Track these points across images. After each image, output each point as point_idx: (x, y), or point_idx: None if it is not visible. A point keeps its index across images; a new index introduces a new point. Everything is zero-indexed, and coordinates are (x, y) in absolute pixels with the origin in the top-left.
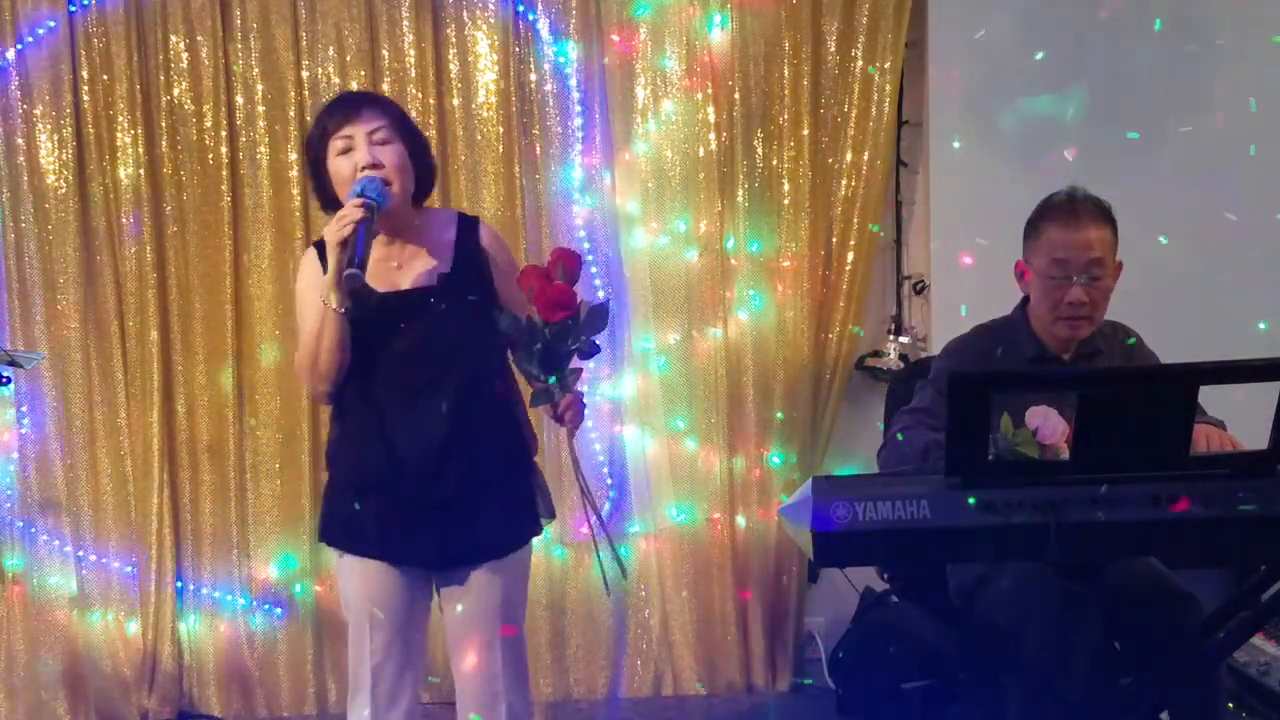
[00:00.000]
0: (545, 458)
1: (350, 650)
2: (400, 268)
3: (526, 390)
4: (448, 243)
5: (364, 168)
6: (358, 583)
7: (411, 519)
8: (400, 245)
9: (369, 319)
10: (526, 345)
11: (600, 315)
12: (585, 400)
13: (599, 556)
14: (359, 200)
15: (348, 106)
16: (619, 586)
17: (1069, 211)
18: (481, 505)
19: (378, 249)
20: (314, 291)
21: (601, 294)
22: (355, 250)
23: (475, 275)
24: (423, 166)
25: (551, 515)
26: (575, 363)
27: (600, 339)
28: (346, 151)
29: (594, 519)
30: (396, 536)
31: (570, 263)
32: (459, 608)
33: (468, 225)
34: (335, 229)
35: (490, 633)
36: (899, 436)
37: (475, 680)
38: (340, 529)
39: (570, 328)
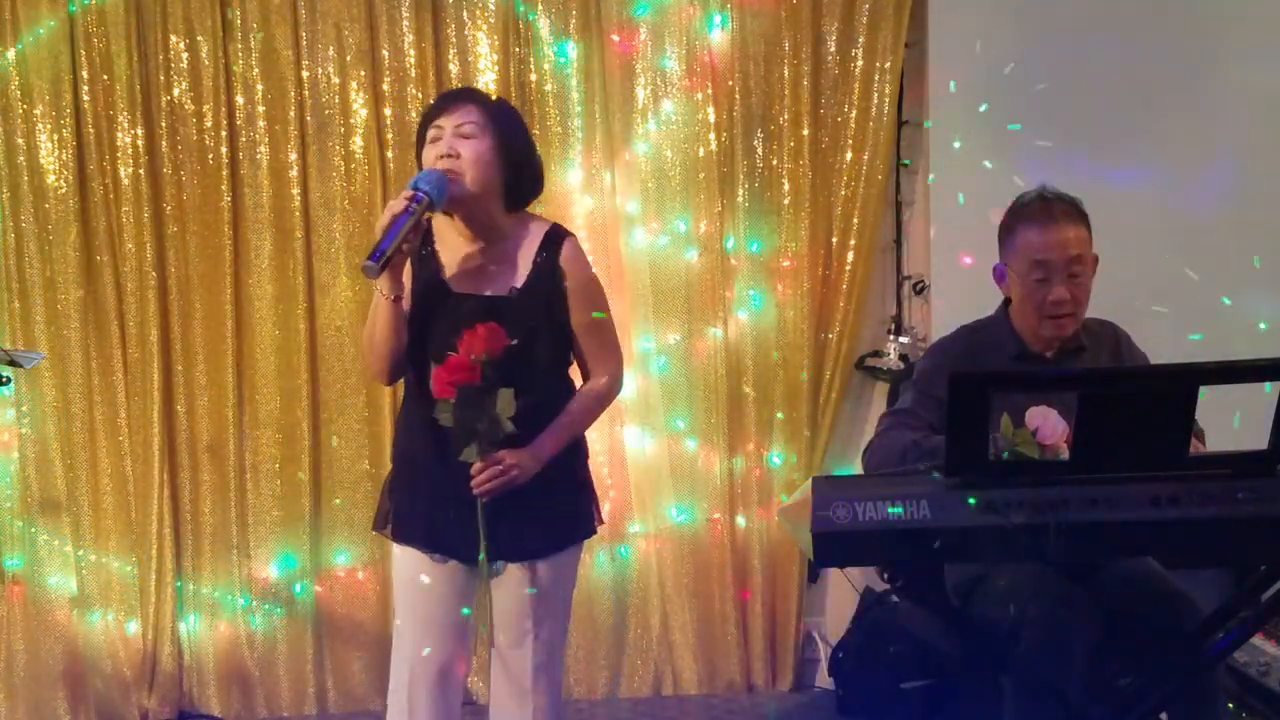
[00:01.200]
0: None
1: (395, 637)
2: (480, 269)
3: None
4: (530, 254)
5: (442, 156)
6: (406, 573)
7: (459, 517)
8: (486, 247)
9: (439, 315)
10: (441, 408)
11: (498, 401)
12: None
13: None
14: (409, 192)
15: (445, 99)
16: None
17: (1044, 213)
18: (527, 508)
19: (462, 245)
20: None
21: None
22: (383, 241)
23: (545, 292)
24: (517, 169)
25: (600, 521)
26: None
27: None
28: (435, 141)
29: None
30: (445, 532)
31: (479, 344)
32: (497, 604)
33: (553, 239)
34: (382, 217)
35: (522, 630)
36: (881, 438)
37: (506, 676)
38: (393, 519)
39: (467, 403)
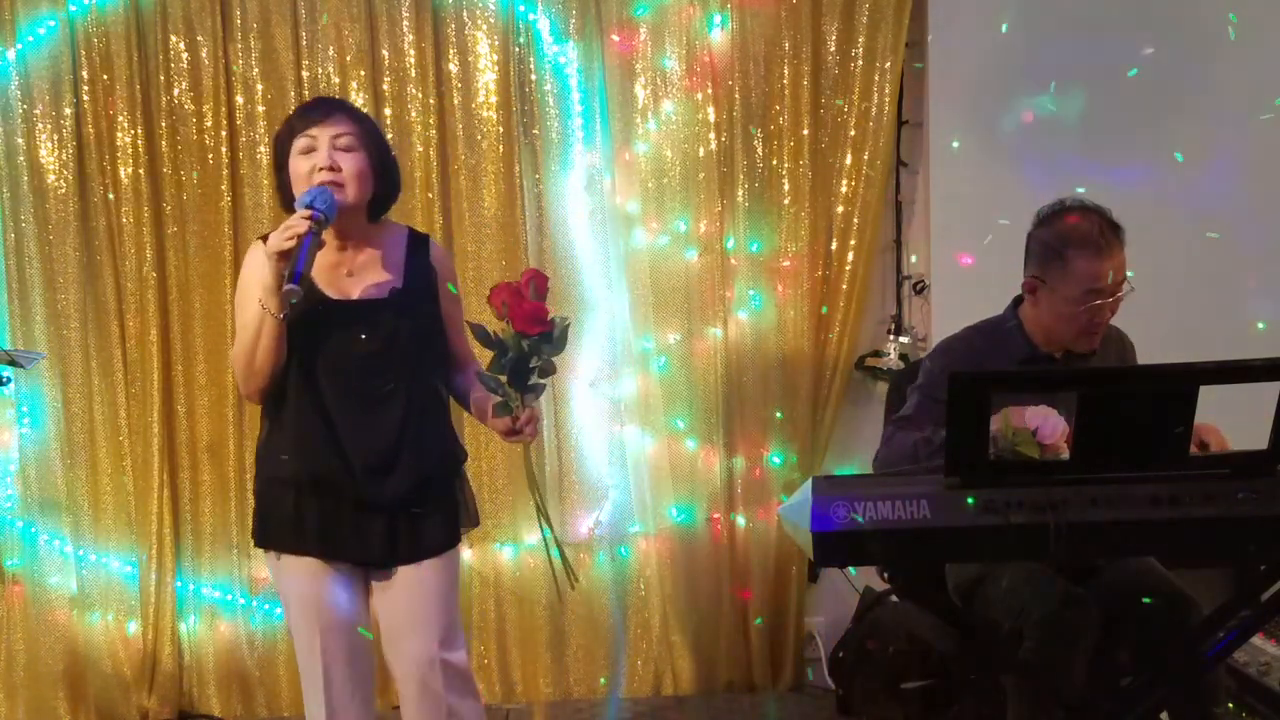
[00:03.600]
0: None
1: (300, 653)
2: (351, 275)
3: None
4: (399, 257)
5: (321, 168)
6: (304, 584)
7: (357, 520)
8: (353, 253)
9: (318, 324)
10: (497, 358)
11: (562, 337)
12: (543, 411)
13: (551, 562)
14: (307, 211)
15: (317, 109)
16: (574, 589)
17: (1100, 240)
18: (423, 508)
19: (329, 254)
20: (256, 287)
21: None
22: (296, 264)
23: (425, 291)
24: (386, 182)
25: (475, 523)
26: (537, 379)
27: (602, 339)
28: (308, 152)
29: (547, 532)
30: (342, 537)
31: (540, 282)
32: (394, 606)
33: (418, 241)
34: (279, 238)
35: (429, 630)
36: (886, 445)
37: (419, 680)
38: (281, 531)
39: (544, 342)
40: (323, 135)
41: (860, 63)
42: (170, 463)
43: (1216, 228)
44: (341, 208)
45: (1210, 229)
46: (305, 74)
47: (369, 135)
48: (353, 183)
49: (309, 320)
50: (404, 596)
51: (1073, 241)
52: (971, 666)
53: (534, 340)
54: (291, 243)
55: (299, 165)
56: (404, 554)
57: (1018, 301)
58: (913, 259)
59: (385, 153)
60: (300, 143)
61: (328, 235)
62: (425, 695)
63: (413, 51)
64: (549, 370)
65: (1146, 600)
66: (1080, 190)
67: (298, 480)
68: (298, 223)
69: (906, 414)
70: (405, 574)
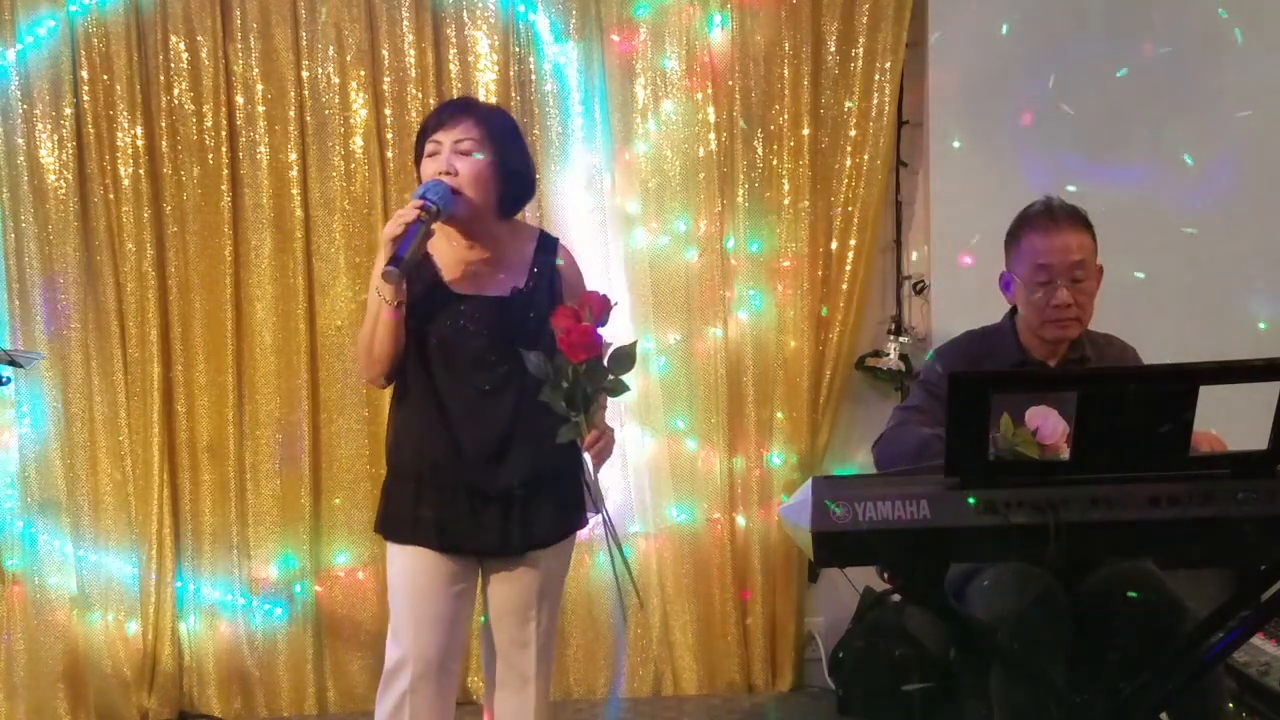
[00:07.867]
0: None
1: (391, 637)
2: (476, 272)
3: None
4: (526, 257)
5: (440, 174)
6: (409, 573)
7: (472, 510)
8: (481, 249)
9: (438, 315)
10: (553, 384)
11: (626, 358)
12: (610, 427)
13: (616, 574)
14: (419, 202)
15: (444, 113)
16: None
17: (1047, 218)
18: (538, 498)
19: (458, 249)
20: (377, 275)
21: (629, 337)
22: (400, 248)
23: (547, 292)
24: (514, 182)
25: (598, 510)
26: (605, 400)
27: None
28: (433, 155)
29: (613, 546)
30: (456, 527)
31: (597, 306)
32: (502, 592)
33: (547, 243)
34: (391, 225)
35: (527, 617)
36: (893, 430)
37: (507, 664)
38: (399, 522)
39: (594, 368)
40: (446, 140)
41: (860, 63)
42: (170, 463)
43: (1216, 228)
44: (461, 210)
45: (1209, 229)
46: (305, 74)
47: (495, 137)
48: (468, 186)
49: (429, 311)
50: (511, 585)
51: (1024, 223)
52: (964, 665)
53: (581, 367)
54: (400, 229)
55: (426, 169)
56: (517, 544)
57: (1014, 310)
58: (914, 255)
59: (515, 154)
60: (428, 148)
61: (457, 231)
62: (511, 676)
63: (413, 51)
64: (615, 390)
65: (1132, 594)
66: (1071, 188)
67: (417, 469)
68: (408, 211)
69: (913, 403)
70: (516, 563)
